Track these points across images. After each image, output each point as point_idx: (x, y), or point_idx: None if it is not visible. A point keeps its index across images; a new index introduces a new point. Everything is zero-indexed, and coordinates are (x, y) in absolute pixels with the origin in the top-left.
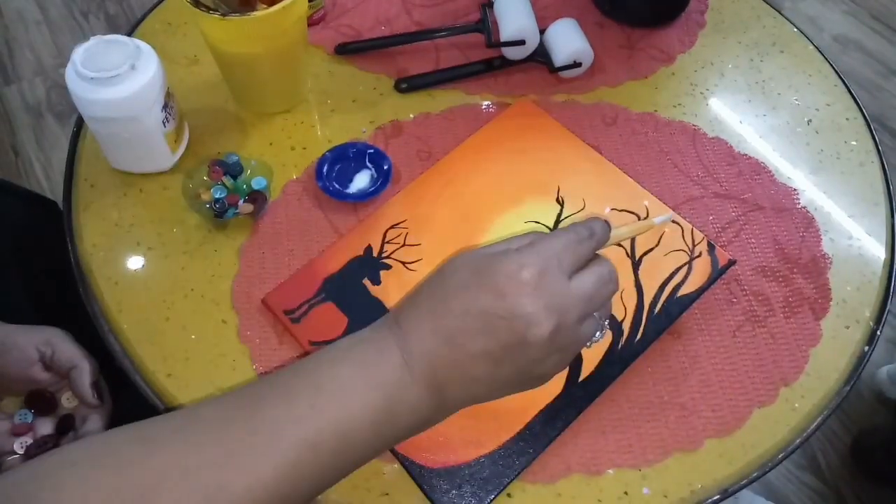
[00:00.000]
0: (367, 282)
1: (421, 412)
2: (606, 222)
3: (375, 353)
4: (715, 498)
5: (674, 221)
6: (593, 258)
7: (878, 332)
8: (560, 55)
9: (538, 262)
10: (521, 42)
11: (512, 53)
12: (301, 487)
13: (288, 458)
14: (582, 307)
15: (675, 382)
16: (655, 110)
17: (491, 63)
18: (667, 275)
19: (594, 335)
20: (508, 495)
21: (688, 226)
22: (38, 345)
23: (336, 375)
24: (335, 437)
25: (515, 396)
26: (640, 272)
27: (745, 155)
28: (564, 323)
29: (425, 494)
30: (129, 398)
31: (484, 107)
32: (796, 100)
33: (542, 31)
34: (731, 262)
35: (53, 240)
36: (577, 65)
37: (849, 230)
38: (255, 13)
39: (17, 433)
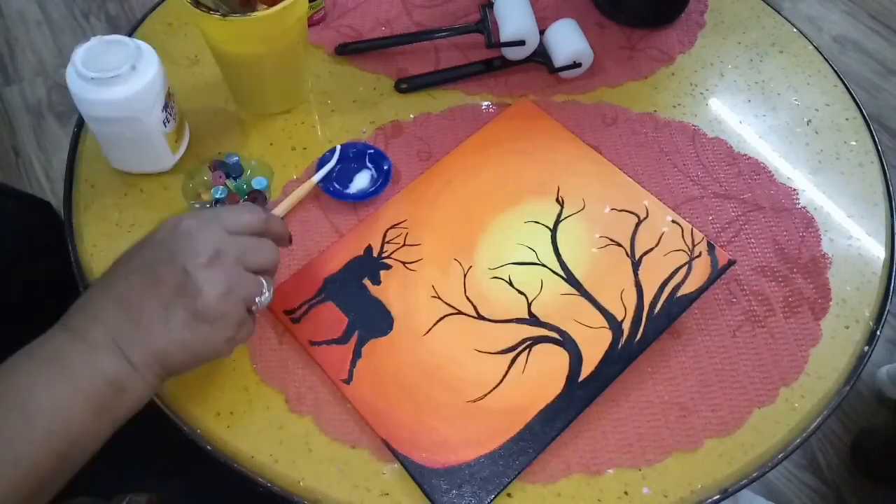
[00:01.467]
0: (367, 282)
1: (135, 389)
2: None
3: (59, 366)
4: (715, 498)
5: (673, 221)
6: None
7: (878, 332)
8: (560, 55)
9: (197, 216)
10: (521, 42)
11: (512, 54)
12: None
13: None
14: (237, 249)
15: (675, 382)
16: (655, 110)
17: (491, 63)
18: (666, 275)
19: (261, 290)
20: (508, 495)
21: (687, 226)
22: None
23: (35, 394)
24: (55, 456)
25: (516, 396)
26: (639, 272)
27: (745, 155)
28: (223, 256)
29: (425, 494)
30: None
31: (484, 107)
32: (796, 100)
33: (541, 32)
34: (731, 263)
35: (50, 241)
36: (577, 65)
37: (848, 230)
38: (255, 13)
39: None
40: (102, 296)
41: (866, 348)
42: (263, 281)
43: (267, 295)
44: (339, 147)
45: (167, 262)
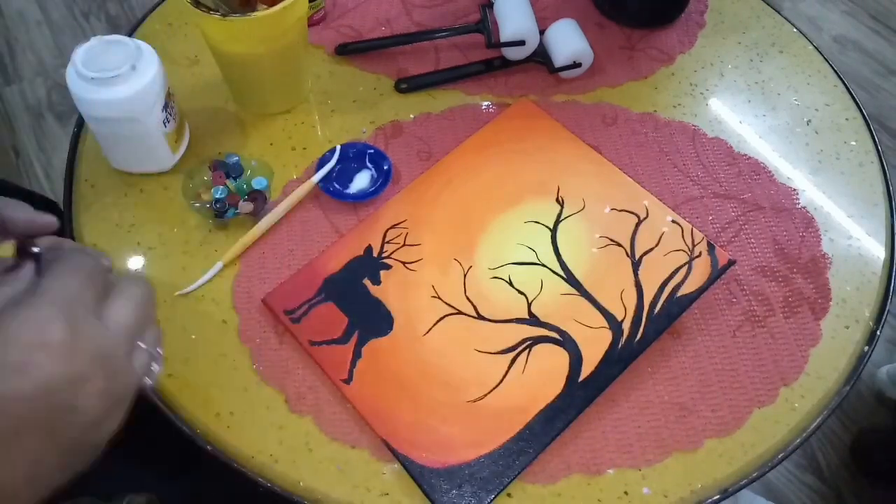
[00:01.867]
0: (367, 282)
1: None
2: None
3: None
4: (715, 498)
5: (673, 221)
6: (116, 282)
7: (878, 332)
8: (560, 56)
9: (60, 313)
10: (521, 42)
11: (512, 54)
12: None
13: None
14: (126, 343)
15: (675, 382)
16: (655, 110)
17: (491, 63)
18: (666, 275)
19: (150, 367)
20: (508, 495)
21: (687, 226)
22: None
23: None
24: None
25: (516, 396)
26: (639, 272)
27: (745, 155)
28: (116, 369)
29: (425, 494)
30: None
31: (484, 107)
32: (796, 100)
33: (541, 32)
34: (731, 262)
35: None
36: (577, 65)
37: (848, 230)
38: (255, 13)
39: None
40: None
41: (866, 348)
42: (146, 348)
43: (157, 366)
44: (339, 147)
45: (42, 400)
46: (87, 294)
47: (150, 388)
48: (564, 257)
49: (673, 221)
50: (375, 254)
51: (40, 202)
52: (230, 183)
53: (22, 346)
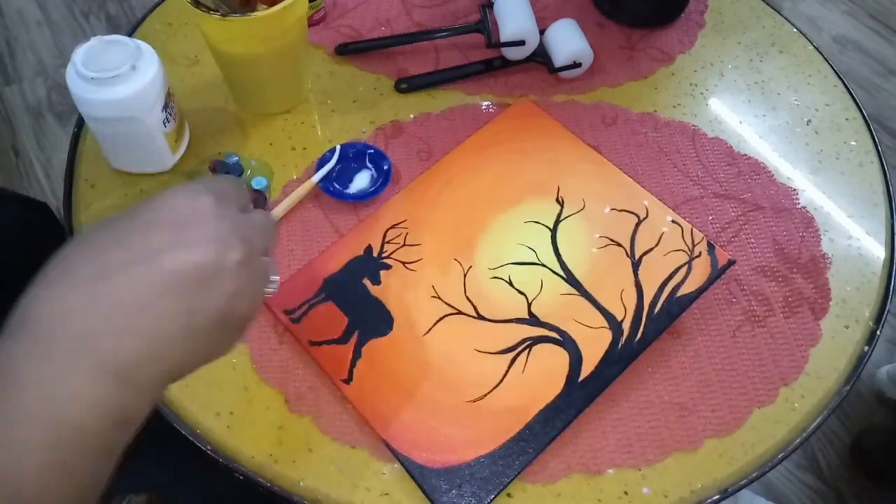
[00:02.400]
0: (367, 282)
1: (115, 407)
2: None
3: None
4: (715, 498)
5: (673, 221)
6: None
7: (878, 332)
8: (560, 55)
9: (210, 189)
10: (521, 42)
11: (512, 54)
12: None
13: None
14: (262, 237)
15: (675, 382)
16: (655, 110)
17: (491, 63)
18: (666, 275)
19: (269, 277)
20: (508, 495)
21: (687, 226)
22: None
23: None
24: None
25: (516, 396)
26: (639, 272)
27: (745, 155)
28: (252, 249)
29: (425, 494)
30: None
31: (484, 107)
32: (796, 100)
33: (541, 32)
34: (731, 262)
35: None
36: (576, 65)
37: (848, 230)
38: (255, 13)
39: None
40: (89, 302)
41: (866, 348)
42: (270, 264)
43: (276, 279)
44: (338, 147)
45: (179, 259)
46: (233, 195)
47: (270, 294)
48: (564, 257)
49: (673, 221)
50: (375, 254)
51: (31, 205)
52: None
53: (173, 208)
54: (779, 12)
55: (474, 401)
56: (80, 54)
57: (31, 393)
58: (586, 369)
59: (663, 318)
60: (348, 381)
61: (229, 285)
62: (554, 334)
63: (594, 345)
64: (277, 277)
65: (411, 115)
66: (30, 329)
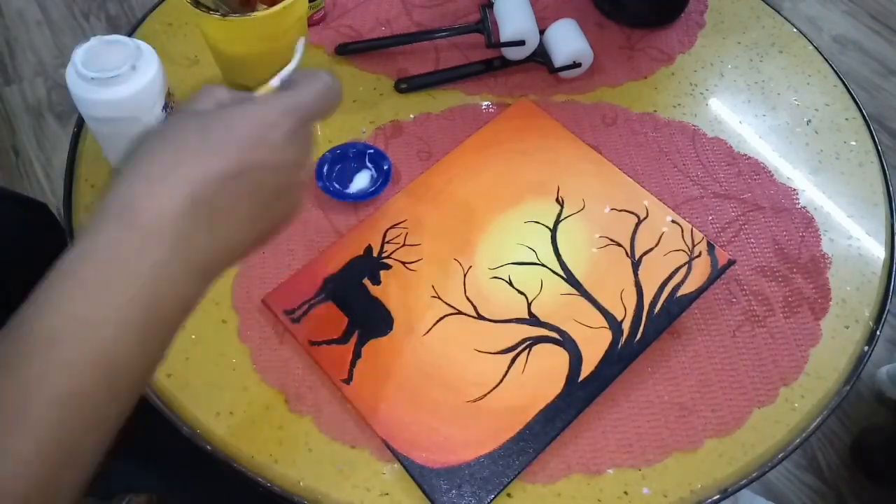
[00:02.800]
0: (367, 282)
1: (188, 300)
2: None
3: (116, 263)
4: (715, 498)
5: (673, 221)
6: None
7: (878, 332)
8: (560, 55)
9: (291, 113)
10: (521, 42)
11: (512, 54)
12: (77, 442)
13: (46, 422)
14: (313, 114)
15: (675, 382)
16: (655, 110)
17: (491, 63)
18: (666, 275)
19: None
20: (508, 495)
21: (687, 226)
22: None
23: (75, 314)
24: (98, 381)
25: (516, 396)
26: (639, 272)
27: (745, 155)
28: (298, 127)
29: (425, 494)
30: None
31: (484, 107)
32: (796, 100)
33: (541, 32)
34: (731, 262)
35: (48, 242)
36: (576, 65)
37: (848, 230)
38: (255, 14)
39: None
40: (178, 199)
41: (866, 348)
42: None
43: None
44: (302, 41)
45: (263, 170)
46: (309, 112)
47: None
48: (564, 257)
49: (673, 221)
50: (375, 254)
51: (29, 205)
52: None
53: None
54: (779, 12)
55: (474, 401)
56: (80, 54)
57: (137, 280)
58: (586, 369)
59: (663, 318)
60: (348, 381)
61: (297, 194)
62: (554, 334)
63: (594, 345)
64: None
65: (411, 115)
66: (134, 220)
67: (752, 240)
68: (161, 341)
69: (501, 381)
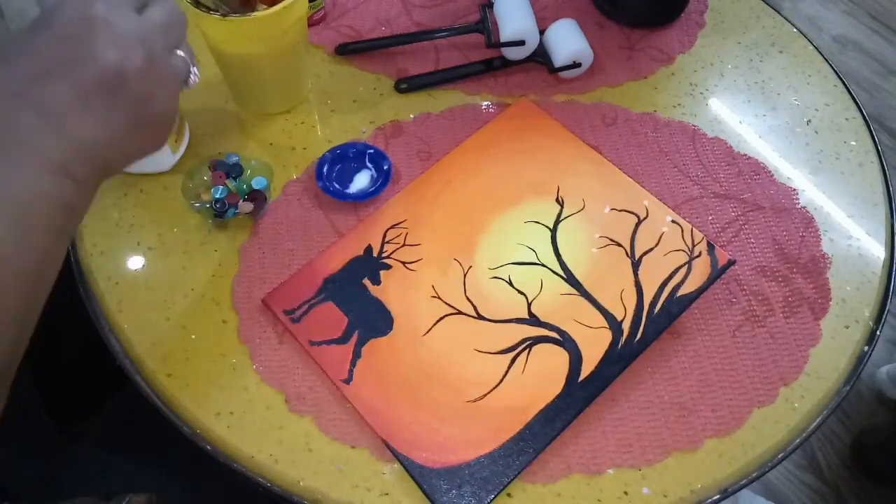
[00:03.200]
0: (367, 282)
1: (82, 207)
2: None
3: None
4: (714, 498)
5: (673, 221)
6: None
7: (878, 332)
8: (560, 55)
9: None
10: (521, 42)
11: (512, 54)
12: None
13: None
14: (161, 35)
15: (675, 382)
16: (655, 110)
17: (491, 63)
18: (666, 275)
19: (188, 73)
20: (508, 495)
21: (687, 226)
22: None
23: None
24: None
25: (516, 396)
26: (639, 272)
27: (745, 155)
28: (153, 49)
29: (425, 494)
30: (128, 398)
31: (484, 107)
32: (796, 100)
33: (541, 32)
34: (731, 262)
35: None
36: (576, 65)
37: (848, 230)
38: (255, 13)
39: None
40: (20, 112)
41: (866, 348)
42: (185, 55)
43: (196, 70)
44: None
45: (88, 61)
46: None
47: (193, 86)
48: (564, 257)
49: (673, 221)
50: (375, 254)
51: None
52: (230, 183)
53: (67, 18)
54: (779, 12)
55: (474, 401)
56: None
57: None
58: (586, 369)
59: (663, 318)
60: (348, 381)
61: (137, 89)
62: (554, 334)
63: (594, 345)
64: (196, 68)
65: (411, 115)
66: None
67: (752, 240)
68: (44, 235)
69: (501, 381)
